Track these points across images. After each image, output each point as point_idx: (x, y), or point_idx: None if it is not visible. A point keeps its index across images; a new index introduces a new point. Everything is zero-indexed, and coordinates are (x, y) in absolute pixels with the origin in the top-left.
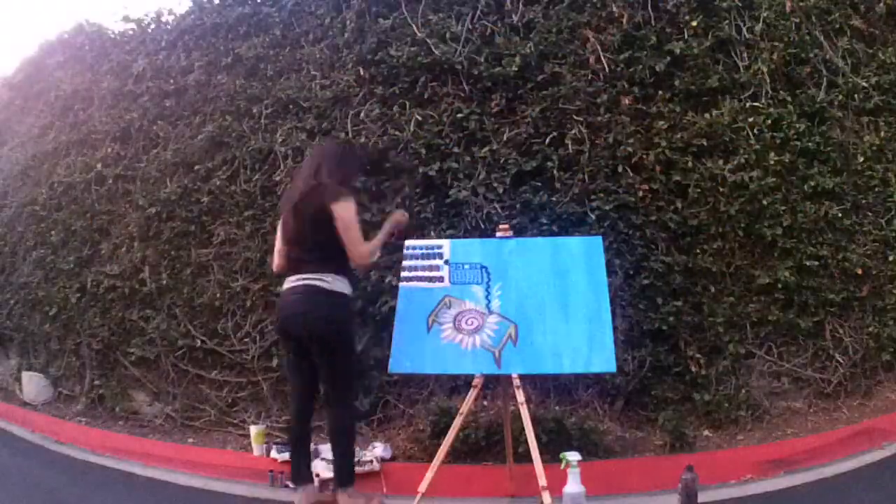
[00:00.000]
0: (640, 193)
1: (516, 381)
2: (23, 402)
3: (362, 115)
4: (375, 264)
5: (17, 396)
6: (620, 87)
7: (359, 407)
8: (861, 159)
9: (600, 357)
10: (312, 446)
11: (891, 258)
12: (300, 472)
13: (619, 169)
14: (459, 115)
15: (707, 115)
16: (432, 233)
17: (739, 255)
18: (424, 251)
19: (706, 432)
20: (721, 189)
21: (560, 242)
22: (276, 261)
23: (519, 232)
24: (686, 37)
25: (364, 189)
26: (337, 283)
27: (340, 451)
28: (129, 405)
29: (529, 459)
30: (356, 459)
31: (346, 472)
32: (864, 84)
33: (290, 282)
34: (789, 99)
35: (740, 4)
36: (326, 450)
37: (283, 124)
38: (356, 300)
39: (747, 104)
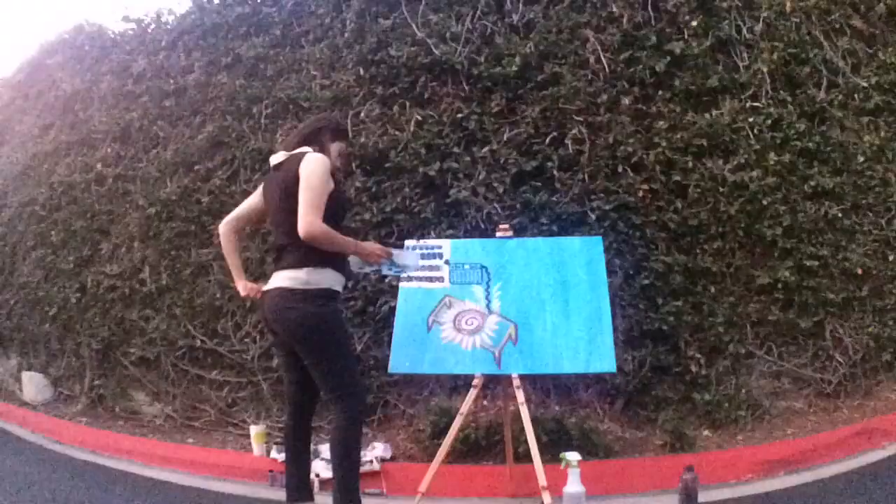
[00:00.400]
0: (640, 193)
1: (516, 381)
2: (23, 402)
3: (362, 115)
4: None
5: (17, 396)
6: (620, 87)
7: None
8: (861, 159)
9: (600, 357)
10: (312, 446)
11: (891, 258)
12: (295, 487)
13: (619, 169)
14: (459, 115)
15: (707, 115)
16: (432, 233)
17: (739, 255)
18: (424, 251)
19: (706, 432)
20: (721, 189)
21: (560, 242)
22: (226, 225)
23: (519, 232)
24: (686, 37)
25: (364, 189)
26: (315, 278)
27: (336, 463)
28: (129, 405)
29: (529, 459)
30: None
31: (343, 492)
32: (864, 84)
33: (273, 277)
34: (789, 99)
35: (740, 4)
36: (326, 449)
37: (283, 124)
38: (348, 294)
39: (747, 104)
